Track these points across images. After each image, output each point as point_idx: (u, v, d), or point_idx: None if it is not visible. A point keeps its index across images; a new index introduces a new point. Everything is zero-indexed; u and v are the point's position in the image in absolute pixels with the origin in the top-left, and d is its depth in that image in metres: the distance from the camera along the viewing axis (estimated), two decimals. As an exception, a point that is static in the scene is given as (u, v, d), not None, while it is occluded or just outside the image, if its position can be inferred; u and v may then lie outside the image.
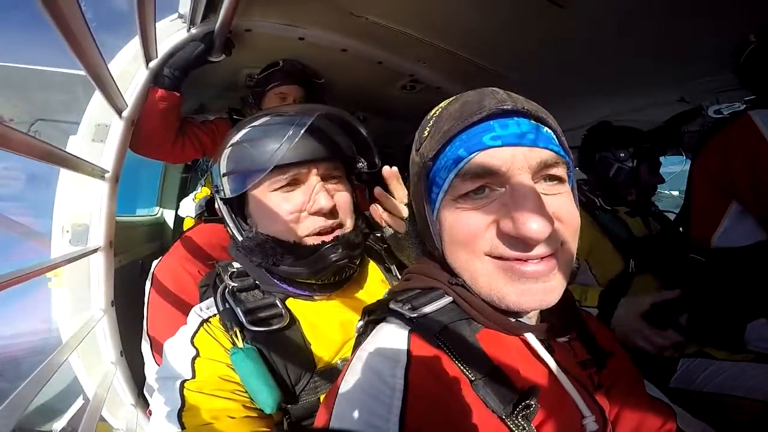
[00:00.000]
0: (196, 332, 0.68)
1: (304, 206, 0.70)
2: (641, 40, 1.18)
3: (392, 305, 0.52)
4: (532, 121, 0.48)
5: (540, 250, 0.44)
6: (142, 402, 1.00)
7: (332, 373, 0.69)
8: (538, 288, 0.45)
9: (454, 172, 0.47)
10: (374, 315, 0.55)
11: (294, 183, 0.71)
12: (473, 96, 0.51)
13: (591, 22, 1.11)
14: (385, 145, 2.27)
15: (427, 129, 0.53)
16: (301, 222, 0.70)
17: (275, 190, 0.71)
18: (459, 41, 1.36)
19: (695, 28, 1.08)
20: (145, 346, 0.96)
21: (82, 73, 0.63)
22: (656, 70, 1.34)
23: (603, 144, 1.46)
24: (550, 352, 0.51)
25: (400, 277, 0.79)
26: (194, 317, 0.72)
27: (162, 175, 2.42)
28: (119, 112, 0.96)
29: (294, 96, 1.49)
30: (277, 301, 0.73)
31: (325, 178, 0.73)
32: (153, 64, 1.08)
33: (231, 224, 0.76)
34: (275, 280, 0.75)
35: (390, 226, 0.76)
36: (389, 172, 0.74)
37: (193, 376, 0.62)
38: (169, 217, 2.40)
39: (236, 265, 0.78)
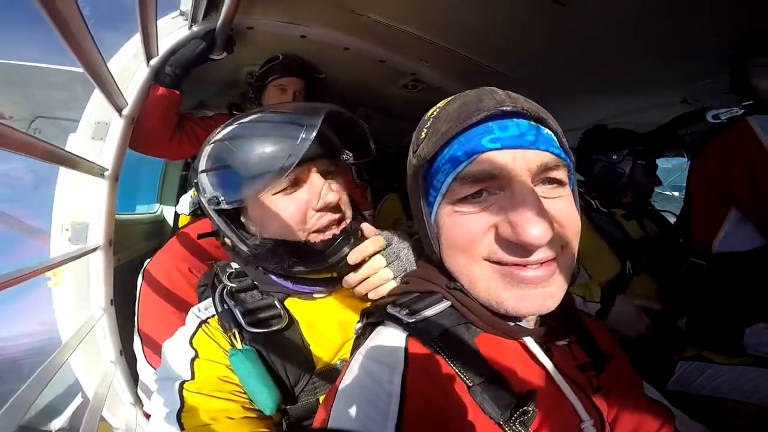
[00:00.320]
0: (194, 333, 0.68)
1: (309, 204, 0.69)
2: (643, 39, 1.17)
3: (390, 309, 0.52)
4: (532, 122, 0.47)
5: (540, 255, 0.44)
6: (141, 400, 1.00)
7: (331, 374, 0.69)
8: (538, 293, 0.44)
9: (452, 176, 0.47)
10: (373, 318, 0.55)
11: (295, 183, 0.70)
12: (471, 96, 0.49)
13: (592, 21, 1.10)
14: (385, 144, 2.27)
15: (425, 130, 0.52)
16: (308, 220, 0.69)
17: (277, 193, 0.69)
18: (460, 40, 1.36)
19: (697, 28, 1.08)
20: (137, 344, 0.96)
21: (80, 70, 0.62)
22: (659, 70, 1.33)
23: (598, 147, 1.47)
24: (548, 356, 0.51)
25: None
26: (193, 318, 0.71)
27: (162, 172, 2.41)
28: (119, 110, 0.95)
29: (294, 88, 1.48)
30: (276, 302, 0.72)
31: (324, 175, 0.72)
32: (154, 61, 1.08)
33: (232, 235, 0.73)
34: (275, 279, 0.74)
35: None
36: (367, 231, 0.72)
37: (193, 377, 0.62)
38: (169, 214, 2.39)
39: (234, 265, 0.78)
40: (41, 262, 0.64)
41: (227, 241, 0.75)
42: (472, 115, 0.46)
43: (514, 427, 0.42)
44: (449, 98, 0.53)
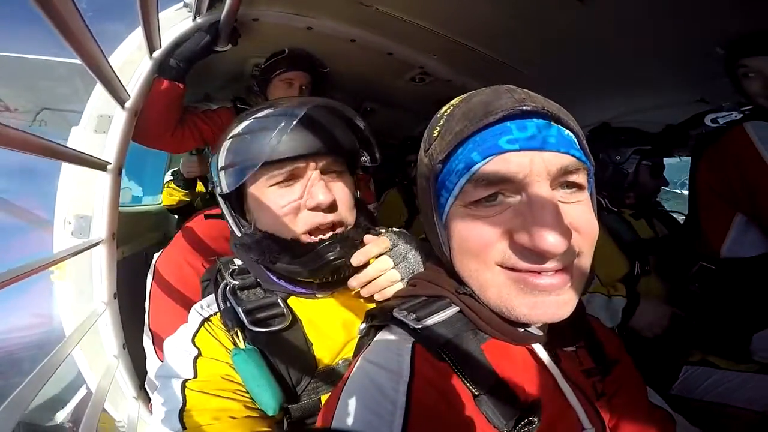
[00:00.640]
0: (197, 331, 0.67)
1: (302, 200, 0.68)
2: (659, 37, 1.14)
3: (396, 314, 0.51)
4: (553, 123, 0.45)
5: (555, 262, 0.42)
6: (144, 395, 1.00)
7: (334, 374, 0.68)
8: (551, 301, 0.43)
9: (466, 177, 0.44)
10: (377, 321, 0.53)
11: (292, 177, 0.68)
12: (488, 94, 0.47)
13: (609, 20, 1.08)
14: (393, 136, 2.26)
15: (437, 128, 0.50)
16: (298, 218, 0.68)
17: (273, 185, 0.68)
18: (471, 34, 1.33)
19: (713, 26, 1.05)
20: (147, 341, 0.96)
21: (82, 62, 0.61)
22: (675, 68, 1.30)
23: (602, 145, 1.44)
24: (556, 362, 0.50)
25: None
26: (195, 315, 0.71)
27: (167, 163, 2.42)
28: (122, 103, 0.94)
29: (300, 82, 1.46)
30: (279, 300, 0.72)
31: (324, 173, 0.70)
32: (157, 54, 1.06)
33: (230, 220, 0.74)
34: (275, 279, 0.73)
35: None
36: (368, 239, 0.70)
37: (195, 376, 0.62)
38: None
39: (237, 261, 0.77)
40: (44, 258, 0.64)
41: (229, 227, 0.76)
42: (489, 114, 0.44)
43: None
44: (464, 95, 0.51)
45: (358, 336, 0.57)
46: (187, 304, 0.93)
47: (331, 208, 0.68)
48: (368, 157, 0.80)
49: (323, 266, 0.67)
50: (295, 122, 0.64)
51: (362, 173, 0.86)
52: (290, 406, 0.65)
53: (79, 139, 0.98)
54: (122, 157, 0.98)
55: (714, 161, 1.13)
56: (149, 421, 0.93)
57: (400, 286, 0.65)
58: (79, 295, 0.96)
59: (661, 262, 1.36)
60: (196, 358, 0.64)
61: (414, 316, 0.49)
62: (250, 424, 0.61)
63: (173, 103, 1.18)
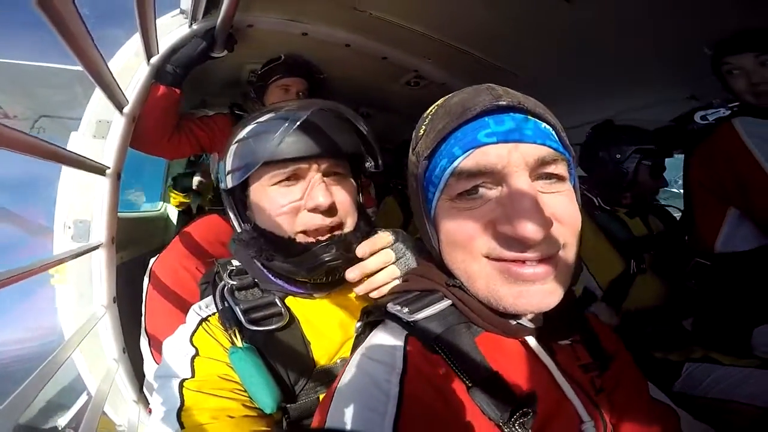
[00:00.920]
0: (195, 331, 0.68)
1: (301, 201, 0.69)
2: (648, 36, 1.16)
3: (390, 308, 0.51)
4: (530, 117, 0.46)
5: (539, 251, 0.43)
6: (144, 399, 1.01)
7: (331, 373, 0.69)
8: (536, 290, 0.44)
9: (449, 171, 0.46)
10: (372, 317, 0.54)
11: (294, 178, 0.69)
12: (469, 92, 0.49)
13: (597, 18, 1.10)
14: (389, 141, 2.27)
15: (423, 127, 0.52)
16: (297, 218, 0.69)
17: (274, 184, 0.69)
18: (464, 37, 1.34)
19: (702, 24, 1.07)
20: (144, 344, 0.96)
21: (82, 69, 0.62)
22: (665, 66, 1.31)
23: (603, 143, 1.43)
24: (551, 355, 0.50)
25: None
26: (193, 316, 0.71)
27: (165, 170, 2.44)
28: (120, 109, 0.95)
29: (297, 88, 1.48)
30: (277, 300, 0.72)
31: (326, 175, 0.71)
32: (154, 60, 1.08)
33: (232, 216, 0.76)
34: (273, 278, 0.74)
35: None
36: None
37: (193, 375, 0.62)
38: (172, 212, 2.41)
39: (235, 262, 0.77)
40: (43, 259, 0.64)
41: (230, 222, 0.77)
42: (468, 110, 0.46)
43: (513, 429, 0.41)
44: (448, 96, 0.53)
45: (355, 334, 0.58)
46: (183, 307, 0.94)
47: (330, 210, 0.69)
48: (372, 162, 0.81)
49: (318, 267, 0.68)
50: (298, 123, 0.65)
51: (364, 178, 0.87)
52: (289, 405, 0.65)
53: (78, 144, 0.99)
54: (121, 161, 0.99)
55: (704, 158, 1.15)
56: (147, 425, 0.93)
57: (397, 283, 0.66)
58: (79, 298, 0.97)
59: (656, 259, 1.36)
60: (193, 358, 0.64)
61: (407, 309, 0.50)
62: (248, 423, 0.61)
63: (170, 108, 1.19)
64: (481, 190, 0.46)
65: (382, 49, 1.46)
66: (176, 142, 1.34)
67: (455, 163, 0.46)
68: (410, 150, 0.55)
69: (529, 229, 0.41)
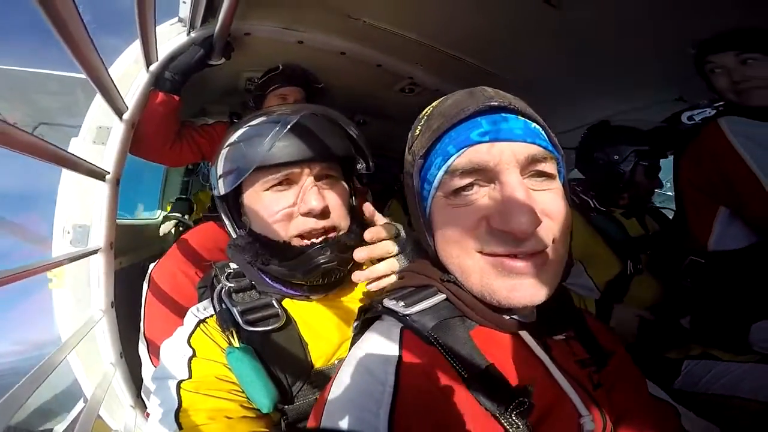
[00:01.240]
0: (192, 332, 0.68)
1: (295, 206, 0.70)
2: (634, 38, 1.18)
3: (386, 303, 0.52)
4: (520, 117, 0.49)
5: (530, 245, 0.44)
6: (141, 403, 1.00)
7: (329, 375, 0.68)
8: (528, 284, 0.45)
9: (444, 169, 0.48)
10: (369, 313, 0.55)
11: (287, 182, 0.71)
12: (462, 94, 0.52)
13: (583, 22, 1.12)
14: (385, 148, 2.29)
15: (419, 128, 0.54)
16: (291, 222, 0.70)
17: (268, 189, 0.70)
18: (456, 43, 1.37)
19: (687, 26, 1.09)
20: (142, 348, 0.96)
21: (83, 76, 0.64)
22: (652, 69, 1.34)
23: (600, 144, 1.45)
24: (546, 351, 0.51)
25: None
26: (191, 317, 0.72)
27: (163, 178, 2.44)
28: (120, 115, 0.97)
29: (294, 97, 1.50)
30: (274, 302, 0.73)
31: (319, 179, 0.72)
32: (153, 67, 1.09)
33: (227, 222, 0.76)
34: (269, 281, 0.75)
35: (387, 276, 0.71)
36: (369, 210, 0.72)
37: (190, 376, 0.62)
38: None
39: (233, 265, 0.78)
40: (42, 260, 0.65)
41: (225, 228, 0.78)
42: (462, 111, 0.48)
43: (510, 420, 0.42)
44: (442, 98, 0.55)
45: (352, 334, 0.58)
46: (182, 313, 0.94)
47: (324, 214, 0.70)
48: (363, 165, 0.83)
49: (314, 269, 0.69)
50: (289, 127, 0.67)
51: (360, 186, 0.88)
52: (286, 407, 0.66)
53: (78, 149, 1.00)
54: (120, 167, 1.00)
55: (693, 157, 1.16)
56: (145, 427, 0.93)
57: (394, 279, 0.66)
58: (76, 303, 0.97)
59: (652, 259, 1.37)
60: (190, 359, 0.64)
61: (402, 303, 0.51)
62: (246, 424, 0.61)
63: (170, 115, 1.21)
64: (475, 187, 0.47)
65: (377, 57, 1.48)
66: (178, 149, 1.36)
67: (449, 161, 0.47)
68: (406, 150, 0.57)
69: (521, 223, 0.42)
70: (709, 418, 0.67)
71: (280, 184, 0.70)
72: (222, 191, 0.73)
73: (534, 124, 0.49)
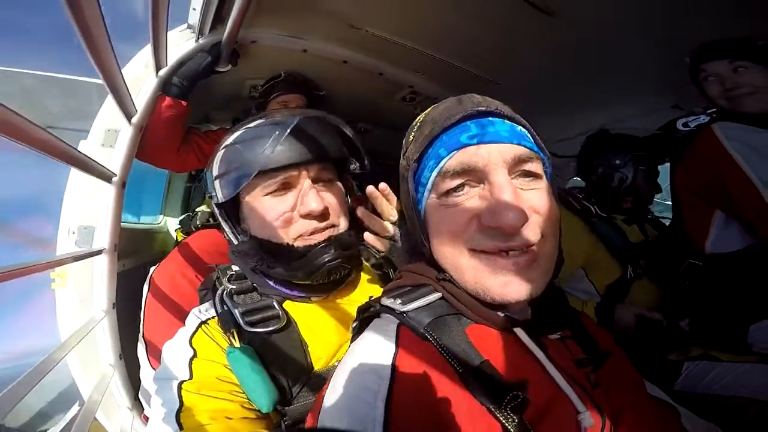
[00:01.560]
0: (194, 333, 0.69)
1: (295, 209, 0.71)
2: (630, 47, 1.21)
3: (383, 301, 0.54)
4: (507, 121, 0.52)
5: (519, 240, 0.46)
6: (139, 406, 0.99)
7: (328, 376, 0.69)
8: (521, 279, 0.47)
9: (436, 171, 0.51)
10: (367, 312, 0.56)
11: (286, 186, 0.72)
12: (452, 101, 0.56)
13: (580, 31, 1.16)
14: (386, 156, 2.30)
15: (412, 134, 0.58)
16: (292, 225, 0.71)
17: (267, 194, 0.72)
18: (456, 52, 1.40)
19: (683, 34, 1.13)
20: (141, 349, 0.96)
21: (90, 79, 0.65)
22: (648, 77, 1.37)
23: (600, 151, 1.49)
24: (542, 349, 0.51)
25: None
26: (193, 319, 0.72)
27: (166, 184, 2.45)
28: (129, 118, 0.99)
29: (296, 104, 1.52)
30: (275, 303, 0.73)
31: (316, 181, 0.74)
32: (162, 72, 1.11)
33: (227, 229, 0.77)
34: (271, 283, 0.76)
35: (375, 247, 0.75)
36: (372, 191, 0.74)
37: (191, 377, 0.63)
38: (172, 225, 2.41)
39: (235, 268, 0.79)
40: (46, 257, 0.65)
41: (224, 235, 0.78)
42: (452, 116, 0.51)
43: (506, 414, 0.42)
44: (433, 105, 0.59)
45: (352, 334, 0.59)
46: (181, 315, 0.95)
47: (323, 215, 0.72)
48: (357, 164, 0.85)
49: (320, 267, 0.70)
50: (287, 132, 0.69)
51: (359, 194, 0.90)
52: (287, 408, 0.65)
53: (86, 151, 1.01)
54: (127, 171, 1.02)
55: (688, 163, 1.19)
56: (146, 427, 0.92)
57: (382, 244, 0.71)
58: (78, 303, 0.97)
59: (651, 264, 1.38)
60: (191, 360, 0.65)
61: (399, 301, 0.53)
62: (246, 424, 0.61)
63: (177, 120, 1.23)
64: (466, 188, 0.50)
65: (379, 66, 1.51)
66: (183, 154, 1.38)
67: (441, 164, 0.50)
68: (401, 155, 0.60)
69: (509, 218, 0.45)
70: (710, 418, 0.68)
71: (279, 189, 0.72)
72: (221, 198, 0.74)
73: (520, 127, 0.52)
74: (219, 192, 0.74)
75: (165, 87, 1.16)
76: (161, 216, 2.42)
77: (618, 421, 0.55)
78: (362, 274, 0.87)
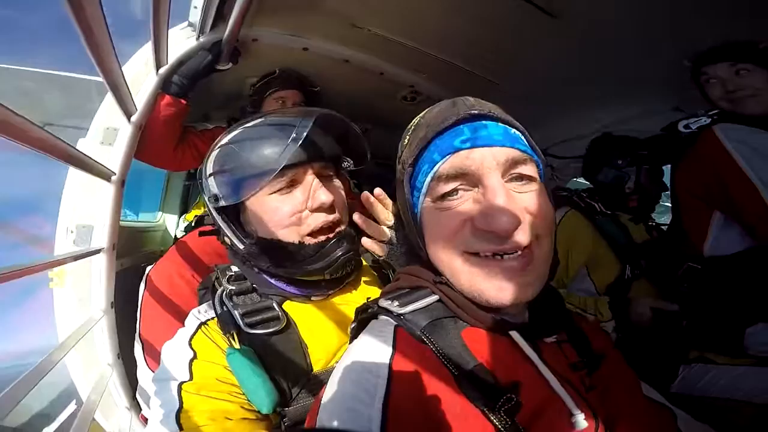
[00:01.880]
0: (194, 334, 0.68)
1: (304, 205, 0.71)
2: (632, 49, 1.22)
3: (381, 303, 0.54)
4: (500, 124, 0.51)
5: (513, 242, 0.46)
6: (137, 405, 0.99)
7: (327, 378, 0.69)
8: (516, 282, 0.47)
9: (431, 176, 0.51)
10: (365, 314, 0.57)
11: (292, 184, 0.72)
12: (446, 104, 0.55)
13: (583, 33, 1.16)
14: (387, 156, 2.30)
15: (407, 138, 0.58)
16: (303, 221, 0.71)
17: (273, 193, 0.71)
18: (457, 53, 1.40)
19: (685, 37, 1.13)
20: (138, 349, 0.96)
21: (90, 77, 0.65)
22: (650, 79, 1.37)
23: (605, 153, 1.51)
24: (537, 352, 0.51)
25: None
26: (192, 320, 0.72)
27: (165, 182, 2.44)
28: (128, 117, 0.98)
29: (293, 100, 1.52)
30: (275, 305, 0.73)
31: (319, 176, 0.74)
32: (163, 70, 1.11)
33: (230, 234, 0.75)
34: (273, 282, 0.75)
35: (373, 252, 0.74)
36: (368, 198, 0.73)
37: (191, 378, 0.62)
38: (170, 224, 2.41)
39: (234, 268, 0.78)
40: (45, 258, 0.65)
41: (226, 240, 0.77)
42: (445, 120, 0.51)
43: (499, 416, 0.42)
44: (427, 109, 0.59)
45: (350, 335, 0.59)
46: (178, 315, 0.94)
47: (331, 207, 0.73)
48: (350, 162, 0.86)
49: (335, 261, 0.71)
50: (294, 134, 0.68)
51: (356, 192, 0.90)
52: (287, 409, 0.65)
53: (85, 150, 1.00)
54: (126, 169, 1.01)
55: (689, 164, 1.19)
56: (145, 428, 0.92)
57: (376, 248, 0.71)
58: (76, 303, 0.96)
59: (650, 265, 1.39)
60: (191, 361, 0.64)
61: (396, 303, 0.53)
62: (246, 425, 0.61)
63: (176, 119, 1.22)
64: (460, 191, 0.50)
65: (380, 65, 1.51)
66: (181, 153, 1.37)
67: (435, 168, 0.50)
68: (397, 159, 0.60)
69: (502, 222, 0.45)
70: (707, 420, 0.67)
71: (285, 186, 0.71)
72: (224, 203, 0.72)
73: (513, 130, 0.52)
74: (221, 194, 0.72)
75: (165, 85, 1.15)
76: (160, 213, 2.41)
77: (613, 424, 0.55)
78: (361, 275, 0.87)
